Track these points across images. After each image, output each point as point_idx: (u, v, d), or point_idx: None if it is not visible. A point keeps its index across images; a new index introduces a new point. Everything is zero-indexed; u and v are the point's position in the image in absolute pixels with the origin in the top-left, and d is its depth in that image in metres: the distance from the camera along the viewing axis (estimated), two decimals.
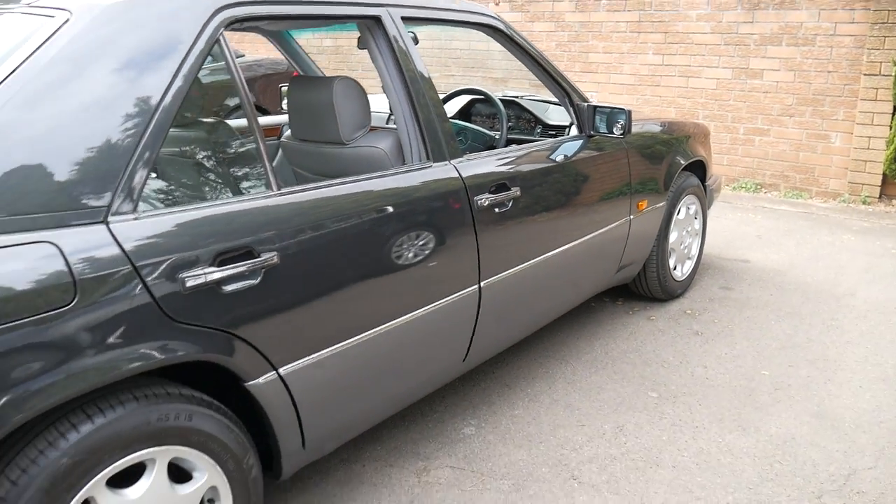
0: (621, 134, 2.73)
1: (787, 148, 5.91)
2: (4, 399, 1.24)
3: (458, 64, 7.42)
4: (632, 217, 3.07)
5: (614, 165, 2.93)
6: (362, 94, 2.21)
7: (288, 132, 2.66)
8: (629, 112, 2.71)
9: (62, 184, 1.37)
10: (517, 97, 3.39)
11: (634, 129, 3.04)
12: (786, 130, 5.88)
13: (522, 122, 3.31)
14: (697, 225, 3.77)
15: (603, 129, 2.77)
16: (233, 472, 1.65)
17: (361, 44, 2.19)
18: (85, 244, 1.37)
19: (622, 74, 6.57)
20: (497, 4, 7.02)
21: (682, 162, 3.43)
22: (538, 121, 3.30)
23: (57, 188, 1.36)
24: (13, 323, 1.25)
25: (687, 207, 3.60)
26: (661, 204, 3.30)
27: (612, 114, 2.75)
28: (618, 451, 2.41)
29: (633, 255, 3.20)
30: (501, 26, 2.57)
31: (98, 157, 1.42)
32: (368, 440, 2.45)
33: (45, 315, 1.29)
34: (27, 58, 1.42)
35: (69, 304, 1.32)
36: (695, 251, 3.80)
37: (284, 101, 3.22)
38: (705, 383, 2.86)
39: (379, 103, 3.18)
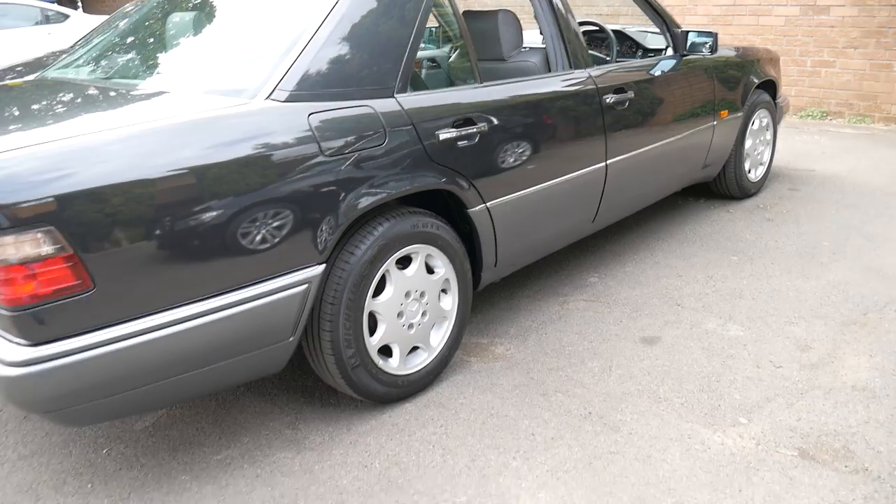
0: (710, 51, 3.46)
1: (852, 78, 6.46)
2: (353, 199, 2.10)
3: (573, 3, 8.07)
4: (715, 123, 3.80)
5: (702, 80, 3.66)
6: (517, 23, 2.99)
7: None
8: (716, 34, 3.44)
9: (373, 75, 2.22)
10: (622, 28, 4.13)
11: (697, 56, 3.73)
12: (850, 61, 6.42)
13: (626, 47, 4.05)
14: (769, 136, 4.47)
15: (695, 48, 3.51)
16: (458, 271, 2.50)
17: None
18: (386, 108, 2.22)
19: (696, 16, 7.15)
20: None
21: (756, 80, 4.13)
22: (639, 46, 4.04)
23: (371, 78, 2.21)
24: (357, 153, 2.10)
25: (760, 119, 4.30)
26: (739, 115, 4.02)
27: (701, 36, 3.48)
28: (710, 289, 3.20)
29: (715, 156, 3.94)
30: None
31: (388, 60, 2.26)
32: (519, 285, 3.30)
33: (371, 149, 2.14)
34: None
35: (383, 143, 2.17)
36: (766, 158, 4.50)
37: None
38: (776, 251, 3.61)
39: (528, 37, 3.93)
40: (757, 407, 2.34)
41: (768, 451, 2.12)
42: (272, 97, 2.03)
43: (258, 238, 1.90)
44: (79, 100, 2.21)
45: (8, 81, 2.73)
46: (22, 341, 1.67)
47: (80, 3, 14.21)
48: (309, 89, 2.08)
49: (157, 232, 1.75)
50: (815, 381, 2.47)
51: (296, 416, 2.38)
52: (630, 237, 3.84)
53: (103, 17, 10.89)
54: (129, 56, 2.63)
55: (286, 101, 2.03)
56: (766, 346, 2.71)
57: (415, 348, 2.44)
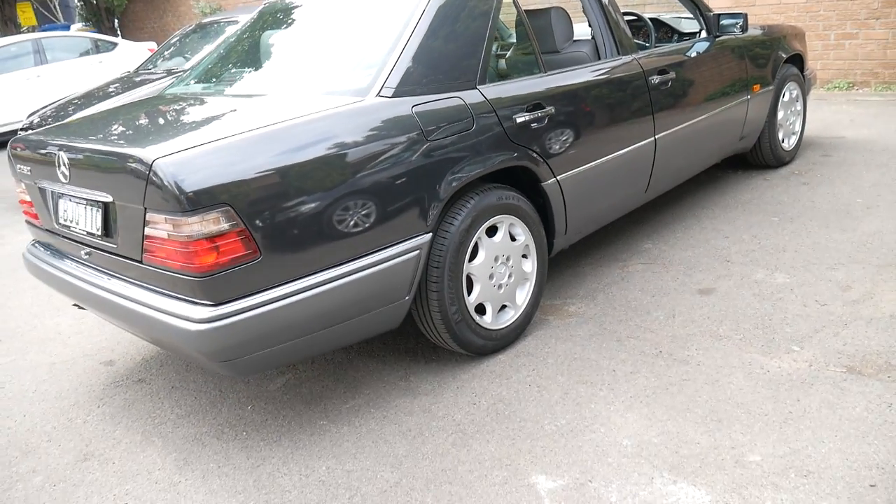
0: (741, 31, 3.81)
1: (875, 48, 6.71)
2: (452, 176, 2.48)
3: None
4: (749, 97, 4.13)
5: (734, 58, 3.99)
6: (568, 18, 3.36)
7: None
8: (745, 15, 3.78)
9: (458, 70, 2.60)
10: (657, 15, 4.48)
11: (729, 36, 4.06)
12: (873, 32, 6.68)
13: (662, 32, 4.40)
14: (799, 106, 4.77)
15: (727, 29, 3.85)
16: (535, 237, 2.87)
17: None
18: (471, 98, 2.60)
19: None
20: None
21: (783, 55, 4.45)
22: (675, 31, 4.38)
23: (457, 72, 2.60)
24: (453, 137, 2.49)
25: (790, 92, 4.61)
26: (770, 88, 4.34)
27: (731, 17, 3.82)
28: (755, 246, 3.54)
29: (750, 127, 4.26)
30: None
31: (470, 57, 2.65)
32: (583, 253, 3.66)
33: (463, 133, 2.53)
34: (427, 4, 2.64)
35: (471, 129, 2.56)
36: (798, 128, 4.80)
37: None
38: (813, 210, 3.93)
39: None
40: (807, 337, 2.68)
41: (820, 369, 2.46)
42: (381, 94, 2.43)
43: (382, 211, 2.30)
44: (222, 107, 2.64)
45: (137, 98, 3.18)
46: (207, 302, 2.08)
47: (119, 31, 14.89)
48: (410, 85, 2.47)
49: (306, 208, 2.15)
50: (858, 314, 2.80)
51: (406, 371, 2.78)
52: (677, 207, 4.18)
53: (147, 44, 11.48)
54: (252, 69, 3.06)
55: (393, 96, 2.43)
56: (811, 289, 3.04)
57: (503, 307, 2.82)
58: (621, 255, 3.62)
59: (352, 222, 2.24)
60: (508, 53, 3.25)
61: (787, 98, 4.58)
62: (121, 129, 2.64)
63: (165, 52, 7.52)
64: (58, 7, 23.14)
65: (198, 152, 2.07)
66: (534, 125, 2.77)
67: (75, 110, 6.33)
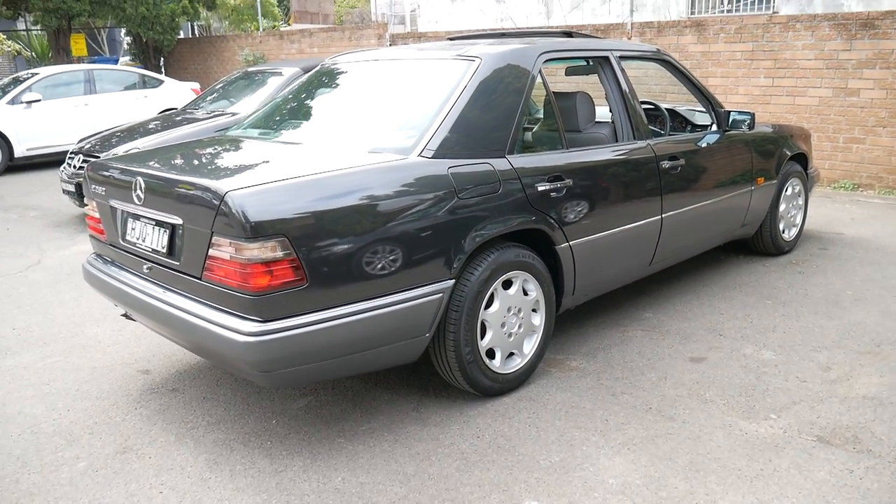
0: (748, 128, 4.18)
1: (881, 153, 7.09)
2: (477, 231, 2.81)
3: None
4: (753, 188, 4.47)
5: (741, 151, 4.35)
6: (592, 102, 3.74)
7: None
8: (753, 114, 4.16)
9: (491, 140, 2.96)
10: (673, 106, 4.87)
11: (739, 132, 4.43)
12: (879, 139, 7.07)
13: (676, 122, 4.78)
14: (800, 201, 5.11)
15: (735, 125, 4.22)
16: (546, 294, 3.18)
17: (569, 72, 3.72)
18: (500, 165, 2.95)
19: (737, 95, 7.89)
20: (629, 38, 8.49)
21: (788, 153, 4.81)
22: (688, 121, 4.77)
23: (489, 142, 2.96)
24: (481, 198, 2.83)
25: (793, 187, 4.96)
26: (774, 182, 4.68)
27: (741, 114, 4.20)
28: (747, 324, 3.82)
29: (752, 216, 4.59)
30: (671, 59, 4.09)
31: (503, 129, 3.01)
32: (587, 315, 3.95)
33: (490, 195, 2.87)
34: (469, 81, 3.02)
35: (497, 192, 2.90)
36: (798, 221, 5.13)
37: None
38: (805, 297, 4.22)
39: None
40: (785, 407, 2.95)
41: (793, 436, 2.73)
42: (422, 154, 2.78)
43: (414, 256, 2.63)
44: (281, 152, 3.01)
45: (197, 138, 3.56)
46: (256, 318, 2.39)
47: (163, 69, 15.59)
48: (447, 149, 2.83)
49: (350, 246, 2.48)
50: (834, 392, 3.07)
51: (417, 403, 3.06)
52: (679, 283, 4.49)
53: (191, 84, 12.07)
54: (307, 121, 3.45)
55: (432, 157, 2.79)
56: (794, 367, 3.32)
57: (511, 354, 3.11)
58: (623, 320, 3.92)
59: (388, 262, 2.56)
60: (535, 128, 3.62)
61: (789, 192, 4.92)
62: (193, 162, 3.01)
63: (210, 95, 8.01)
64: (104, 41, 24.20)
65: (263, 189, 2.42)
66: (553, 194, 3.11)
67: (118, 142, 6.76)
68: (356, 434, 2.83)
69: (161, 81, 11.64)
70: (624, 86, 3.68)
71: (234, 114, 7.06)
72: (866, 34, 6.95)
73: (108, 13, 14.03)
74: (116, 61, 16.13)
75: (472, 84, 3.02)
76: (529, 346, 3.16)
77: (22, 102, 10.11)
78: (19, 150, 10.13)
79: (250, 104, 7.19)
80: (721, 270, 4.74)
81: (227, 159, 3.04)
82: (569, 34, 3.82)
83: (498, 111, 3.05)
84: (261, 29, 18.63)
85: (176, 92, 11.57)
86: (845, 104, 7.21)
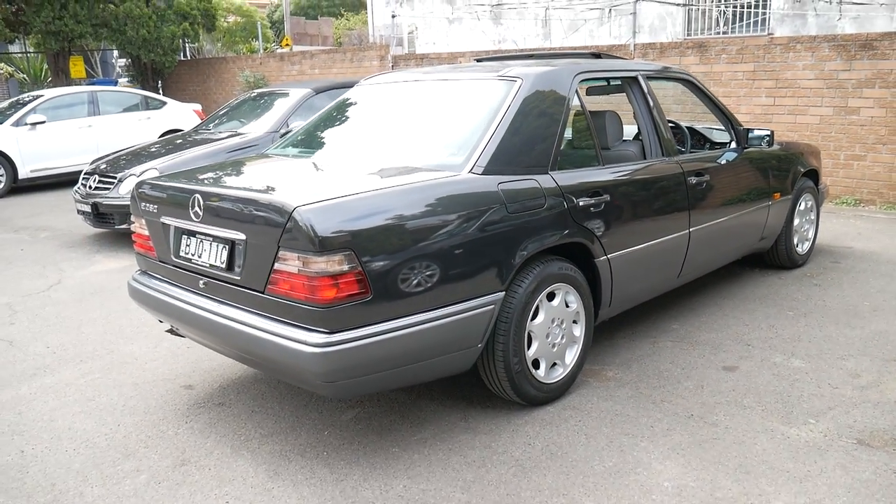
0: (767, 145, 4.32)
1: (882, 170, 7.28)
2: (525, 245, 2.90)
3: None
4: (770, 203, 4.60)
5: (759, 168, 4.49)
6: (619, 120, 3.86)
7: None
8: (772, 132, 4.30)
9: (535, 157, 3.07)
10: (692, 124, 5.02)
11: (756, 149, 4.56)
12: (880, 156, 7.26)
13: (695, 140, 4.92)
14: (813, 216, 5.26)
15: (755, 143, 4.36)
16: (586, 306, 3.27)
17: (590, 91, 3.83)
18: (544, 181, 3.06)
19: (739, 114, 8.06)
20: (633, 58, 8.67)
21: (801, 169, 4.96)
22: (707, 139, 4.91)
23: (534, 159, 3.06)
24: (528, 213, 2.93)
25: (805, 202, 5.10)
26: (788, 197, 4.82)
27: (759, 132, 4.34)
28: (773, 335, 3.93)
29: (770, 230, 4.72)
30: (694, 80, 4.23)
31: (543, 147, 3.12)
32: (617, 328, 4.05)
33: (536, 210, 2.97)
34: (512, 100, 3.13)
35: (543, 206, 3.00)
36: (811, 235, 5.27)
37: None
38: (824, 308, 4.34)
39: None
40: (821, 413, 3.05)
41: (833, 439, 2.82)
42: (472, 171, 2.88)
43: (469, 268, 2.72)
44: (333, 170, 3.09)
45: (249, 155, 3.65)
46: (323, 329, 2.47)
47: (161, 91, 15.67)
48: (495, 166, 2.93)
49: (411, 259, 2.57)
50: (866, 398, 3.17)
51: (464, 414, 3.13)
52: (701, 296, 4.60)
53: (193, 105, 12.16)
54: (345, 140, 3.55)
55: (482, 174, 2.89)
56: (824, 374, 3.42)
57: (554, 364, 3.19)
58: (651, 332, 4.02)
59: (445, 275, 2.65)
60: (573, 145, 3.73)
61: (802, 207, 5.06)
62: (249, 179, 3.10)
63: (217, 118, 8.11)
64: (97, 63, 24.26)
65: (330, 204, 2.50)
66: (593, 209, 3.21)
67: (134, 162, 6.84)
68: (409, 444, 2.90)
69: (164, 103, 11.72)
70: (652, 104, 3.81)
71: (245, 134, 7.17)
72: (865, 55, 7.15)
73: (109, 36, 14.12)
74: (116, 83, 16.19)
75: (515, 103, 3.13)
76: (571, 356, 3.25)
77: (26, 124, 10.16)
78: (23, 172, 10.16)
79: (262, 125, 7.29)
80: (739, 283, 4.86)
81: (283, 176, 3.13)
82: (597, 55, 3.95)
83: (540, 129, 3.16)
84: (260, 51, 18.80)
85: (178, 113, 11.65)
86: (846, 122, 7.40)
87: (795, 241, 5.06)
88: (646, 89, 3.82)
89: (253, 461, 2.82)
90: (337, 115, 3.78)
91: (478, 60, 4.21)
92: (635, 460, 2.72)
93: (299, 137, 3.75)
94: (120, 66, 25.67)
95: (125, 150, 7.58)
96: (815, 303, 4.44)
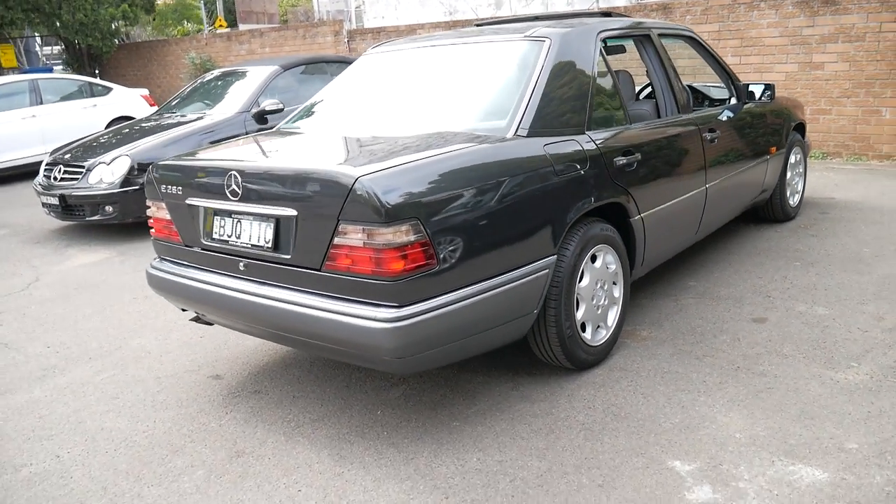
0: (769, 99, 4.37)
1: (846, 123, 7.48)
2: (573, 206, 2.87)
3: None
4: (768, 157, 4.68)
5: (759, 123, 4.55)
6: (632, 79, 3.84)
7: None
8: (773, 85, 4.35)
9: (572, 117, 3.03)
10: (691, 83, 5.05)
11: (755, 104, 4.61)
12: (844, 109, 7.46)
13: (695, 97, 4.96)
14: (801, 168, 5.37)
15: (756, 97, 4.41)
16: (623, 266, 3.27)
17: (610, 52, 3.82)
18: (583, 141, 3.02)
19: (706, 74, 8.17)
20: None
21: (792, 123, 5.05)
22: (706, 97, 4.95)
23: (571, 119, 3.02)
24: (574, 173, 2.89)
25: (795, 155, 5.21)
26: (783, 150, 4.91)
27: (761, 87, 4.39)
28: (788, 285, 4.01)
29: (768, 183, 4.80)
30: (695, 36, 4.24)
31: (578, 107, 3.08)
32: (637, 290, 4.06)
33: (580, 171, 2.93)
34: (545, 60, 3.07)
35: (586, 167, 2.97)
36: (801, 187, 5.39)
37: None
38: (828, 257, 4.45)
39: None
40: (860, 356, 3.12)
41: (881, 380, 2.89)
42: (517, 134, 2.82)
43: (525, 232, 2.67)
44: (374, 139, 2.96)
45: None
46: (393, 303, 2.39)
47: (97, 71, 15.01)
48: (538, 128, 2.88)
49: (472, 225, 2.50)
50: None
51: (514, 383, 3.09)
52: (707, 254, 4.66)
53: (140, 90, 11.70)
54: (373, 110, 3.43)
55: (528, 136, 2.83)
56: (850, 319, 3.51)
57: (598, 326, 3.18)
58: (671, 290, 4.05)
59: (504, 240, 2.60)
60: (603, 106, 3.70)
61: (793, 160, 5.17)
62: (288, 154, 2.97)
63: (178, 101, 7.81)
64: (22, 52, 23.08)
65: (392, 172, 2.41)
66: (628, 168, 3.19)
67: (92, 153, 6.52)
68: (468, 417, 2.86)
69: (109, 89, 11.23)
70: (666, 62, 3.80)
71: (213, 115, 6.92)
72: (828, 10, 7.31)
73: (43, 20, 13.41)
74: (51, 70, 15.44)
75: (548, 63, 3.07)
76: (612, 318, 3.24)
77: None
78: None
79: (231, 106, 7.04)
80: (740, 239, 4.94)
81: (325, 148, 3.01)
82: (607, 14, 3.91)
83: (573, 89, 3.11)
84: (205, 31, 18.16)
85: (126, 99, 11.19)
86: (811, 78, 7.57)
87: (788, 193, 5.17)
88: (659, 46, 3.80)
89: (312, 447, 2.73)
90: (352, 86, 3.65)
91: (477, 25, 4.12)
92: (700, 415, 2.73)
93: (313, 111, 3.61)
94: (45, 55, 24.50)
95: (87, 138, 7.24)
96: (817, 252, 4.55)
